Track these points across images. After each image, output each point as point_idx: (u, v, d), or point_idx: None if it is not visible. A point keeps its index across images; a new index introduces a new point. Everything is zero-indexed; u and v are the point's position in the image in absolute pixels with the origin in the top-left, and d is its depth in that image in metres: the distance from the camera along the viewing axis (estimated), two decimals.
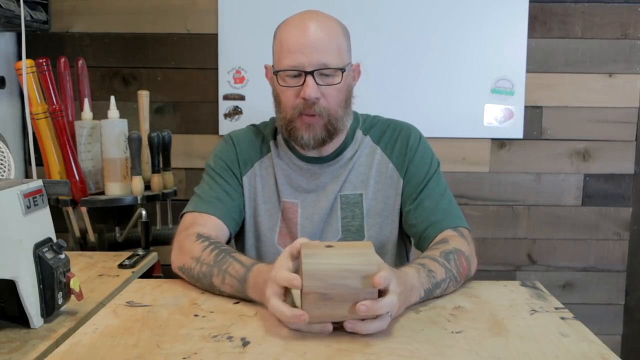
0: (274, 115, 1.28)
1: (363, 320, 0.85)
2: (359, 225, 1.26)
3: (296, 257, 0.90)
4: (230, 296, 1.03)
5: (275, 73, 1.19)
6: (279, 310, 0.86)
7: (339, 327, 0.86)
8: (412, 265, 1.01)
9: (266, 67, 1.27)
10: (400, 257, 1.32)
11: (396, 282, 0.87)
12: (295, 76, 1.16)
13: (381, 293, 0.85)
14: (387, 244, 1.27)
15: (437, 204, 1.21)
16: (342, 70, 1.17)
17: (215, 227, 1.19)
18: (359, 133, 1.29)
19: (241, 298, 1.01)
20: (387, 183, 1.27)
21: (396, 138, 1.28)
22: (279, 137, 1.30)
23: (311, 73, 1.14)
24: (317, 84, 1.15)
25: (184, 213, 1.23)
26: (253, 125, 1.36)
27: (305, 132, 1.18)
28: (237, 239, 1.34)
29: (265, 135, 1.32)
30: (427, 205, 1.22)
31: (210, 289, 1.06)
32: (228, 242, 1.25)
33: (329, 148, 1.26)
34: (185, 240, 1.13)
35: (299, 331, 0.87)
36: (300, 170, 1.27)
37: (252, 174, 1.29)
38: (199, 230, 1.13)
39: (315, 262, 0.83)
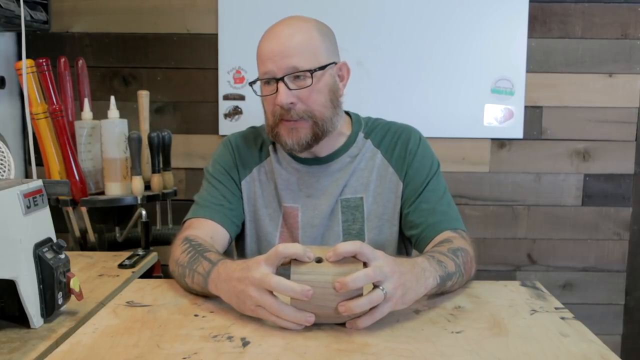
0: None
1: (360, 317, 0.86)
2: (359, 228, 1.25)
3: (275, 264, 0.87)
4: (201, 295, 1.02)
5: (253, 83, 1.20)
6: (286, 285, 0.83)
7: (338, 325, 0.87)
8: (421, 256, 1.01)
9: None
10: None
11: (392, 280, 0.85)
12: (269, 84, 1.16)
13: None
14: (387, 247, 1.26)
15: (435, 206, 1.21)
16: (315, 71, 1.14)
17: (211, 230, 1.18)
18: (360, 136, 1.28)
19: (206, 295, 1.01)
20: (387, 187, 1.26)
21: (396, 142, 1.27)
22: None
23: (281, 79, 1.13)
24: (290, 88, 1.14)
25: (185, 221, 1.23)
26: (253, 127, 1.36)
27: (288, 137, 1.17)
28: (238, 243, 1.33)
29: (265, 139, 1.31)
30: (425, 207, 1.21)
31: (188, 290, 1.05)
32: (229, 245, 1.25)
33: (325, 149, 1.25)
34: (174, 245, 1.14)
35: (283, 328, 0.87)
36: (299, 173, 1.27)
37: (251, 179, 1.29)
38: (188, 234, 1.14)
39: (303, 280, 0.83)
